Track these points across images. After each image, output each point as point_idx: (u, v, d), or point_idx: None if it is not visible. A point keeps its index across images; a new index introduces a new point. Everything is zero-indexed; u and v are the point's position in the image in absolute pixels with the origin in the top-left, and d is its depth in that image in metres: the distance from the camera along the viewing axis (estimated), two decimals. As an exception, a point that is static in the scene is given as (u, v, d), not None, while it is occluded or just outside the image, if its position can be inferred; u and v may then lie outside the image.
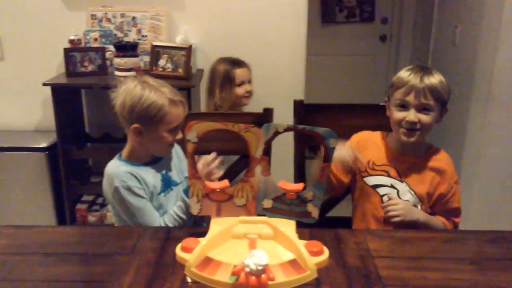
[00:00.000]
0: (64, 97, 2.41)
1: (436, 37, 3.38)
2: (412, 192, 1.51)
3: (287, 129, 1.20)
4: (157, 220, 1.43)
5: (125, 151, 1.51)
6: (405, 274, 1.14)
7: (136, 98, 1.39)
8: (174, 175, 1.57)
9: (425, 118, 1.44)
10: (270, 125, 1.18)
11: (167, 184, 1.52)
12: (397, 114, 1.48)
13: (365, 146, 1.59)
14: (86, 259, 1.22)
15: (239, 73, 2.24)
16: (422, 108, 1.44)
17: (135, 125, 1.42)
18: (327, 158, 1.21)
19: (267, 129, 1.18)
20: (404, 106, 1.47)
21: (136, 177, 1.44)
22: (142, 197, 1.43)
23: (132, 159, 1.48)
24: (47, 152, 2.47)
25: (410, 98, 1.45)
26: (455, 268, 1.17)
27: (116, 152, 2.49)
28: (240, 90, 2.24)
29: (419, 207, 1.51)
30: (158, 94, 1.40)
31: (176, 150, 1.59)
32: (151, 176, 1.48)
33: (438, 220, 1.53)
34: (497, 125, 2.54)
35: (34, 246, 1.27)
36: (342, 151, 1.47)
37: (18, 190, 2.50)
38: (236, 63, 2.25)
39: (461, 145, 2.77)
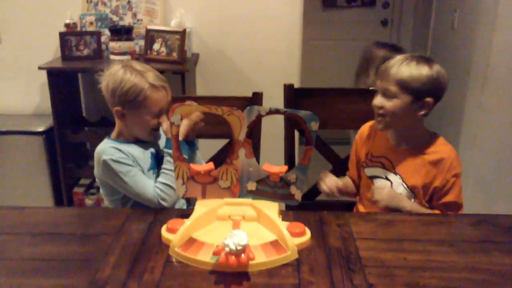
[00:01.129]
0: (61, 81, 2.43)
1: (435, 21, 3.35)
2: (405, 185, 1.49)
3: (270, 112, 1.21)
4: (151, 186, 1.43)
5: (114, 132, 1.54)
6: (385, 255, 1.15)
7: (118, 81, 1.42)
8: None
9: (387, 104, 1.42)
10: (252, 108, 1.20)
11: (158, 163, 1.54)
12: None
13: (368, 137, 1.60)
14: (73, 239, 1.25)
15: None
16: (385, 94, 1.43)
17: (117, 107, 1.45)
18: (309, 141, 1.22)
19: (250, 112, 1.20)
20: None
21: (122, 151, 1.46)
22: (130, 165, 1.44)
23: (120, 138, 1.51)
24: (44, 136, 2.50)
25: (378, 82, 1.46)
26: (434, 250, 1.18)
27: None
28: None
29: (412, 200, 1.49)
30: (139, 78, 1.42)
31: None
32: (138, 152, 1.50)
33: (429, 212, 1.51)
34: (493, 109, 2.53)
35: (23, 226, 1.31)
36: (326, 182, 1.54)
37: (16, 174, 2.53)
38: (397, 50, 2.12)
39: (458, 129, 2.77)
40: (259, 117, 1.21)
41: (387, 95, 1.43)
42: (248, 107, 1.20)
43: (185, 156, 1.33)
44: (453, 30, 2.94)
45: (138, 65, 1.46)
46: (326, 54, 4.17)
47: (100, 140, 2.56)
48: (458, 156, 1.50)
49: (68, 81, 2.61)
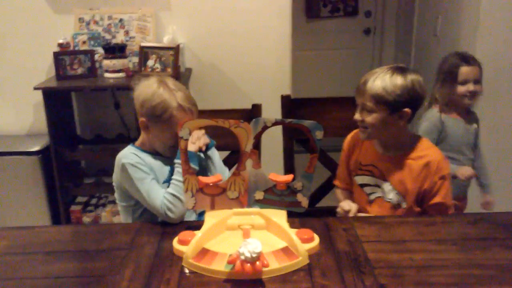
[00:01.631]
0: (55, 100, 2.44)
1: (418, 28, 3.45)
2: (396, 191, 1.54)
3: (275, 123, 1.25)
4: (160, 197, 1.43)
5: (138, 140, 1.57)
6: (392, 256, 1.20)
7: (149, 94, 1.45)
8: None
9: (367, 117, 1.48)
10: (258, 120, 1.24)
11: None
12: None
13: (354, 146, 1.64)
14: (86, 255, 1.27)
15: (464, 71, 2.03)
16: (364, 108, 1.49)
17: (142, 119, 1.48)
18: (314, 149, 1.26)
19: (256, 123, 1.24)
20: None
21: (141, 158, 1.49)
22: (146, 172, 1.46)
23: (142, 147, 1.54)
24: (40, 156, 2.50)
25: (356, 98, 1.52)
26: (438, 249, 1.24)
27: (108, 152, 2.53)
28: (461, 89, 2.03)
29: (403, 205, 1.53)
30: (170, 96, 1.44)
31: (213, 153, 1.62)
32: (157, 164, 1.52)
33: None
34: (478, 112, 2.61)
35: (34, 245, 1.32)
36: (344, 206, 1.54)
37: (13, 194, 2.53)
38: (465, 60, 2.06)
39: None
40: (265, 128, 1.25)
41: (365, 109, 1.48)
42: (254, 119, 1.24)
43: (196, 167, 1.36)
44: (436, 37, 3.03)
45: (171, 83, 1.49)
46: (312, 64, 4.25)
47: (96, 157, 2.59)
48: (443, 156, 1.54)
49: (63, 100, 2.62)
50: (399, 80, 1.44)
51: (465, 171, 1.95)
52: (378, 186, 1.57)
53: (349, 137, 1.67)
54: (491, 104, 2.59)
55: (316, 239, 1.25)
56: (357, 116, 1.52)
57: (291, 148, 1.82)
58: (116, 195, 1.58)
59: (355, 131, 1.65)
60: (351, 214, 1.49)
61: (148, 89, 1.46)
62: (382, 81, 1.44)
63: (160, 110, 1.44)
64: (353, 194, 1.67)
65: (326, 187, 1.85)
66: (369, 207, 1.59)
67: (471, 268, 1.15)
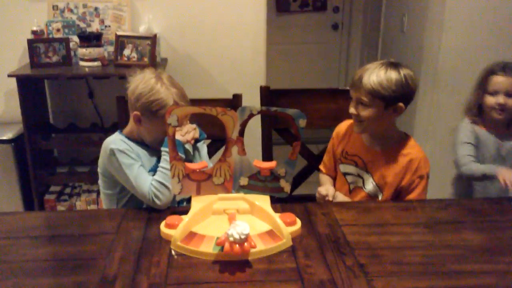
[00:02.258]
0: (29, 88, 2.41)
1: (385, 25, 3.55)
2: (374, 183, 1.61)
3: (261, 112, 1.30)
4: (147, 183, 1.44)
5: (125, 129, 1.57)
6: (370, 238, 1.27)
7: (148, 88, 1.45)
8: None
9: (362, 112, 1.55)
10: (245, 108, 1.28)
11: None
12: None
13: (343, 136, 1.70)
14: (74, 239, 1.28)
15: (496, 80, 1.83)
16: (359, 102, 1.55)
17: (136, 112, 1.48)
18: (298, 137, 1.32)
19: (243, 111, 1.28)
20: None
21: (129, 146, 1.50)
22: (135, 160, 1.47)
23: (130, 137, 1.55)
24: (13, 144, 2.47)
25: (351, 92, 1.58)
26: (412, 231, 1.32)
27: (82, 141, 2.52)
28: (490, 100, 1.84)
29: (379, 197, 1.61)
30: (167, 93, 1.46)
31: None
32: (144, 154, 1.54)
33: None
34: (443, 107, 2.74)
35: (20, 230, 1.33)
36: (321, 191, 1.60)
37: (-15, 182, 2.49)
38: (503, 68, 1.84)
39: (411, 127, 2.96)
40: (251, 116, 1.29)
41: (361, 103, 1.54)
42: (240, 107, 1.28)
43: (182, 156, 1.39)
44: (403, 33, 3.14)
45: (166, 79, 1.49)
46: (282, 57, 4.31)
47: (69, 146, 2.57)
48: (426, 157, 1.60)
49: (36, 88, 2.58)
50: (393, 75, 1.50)
51: (508, 175, 1.67)
52: (360, 176, 1.64)
53: (339, 126, 1.73)
54: (456, 96, 2.70)
55: (298, 223, 1.31)
56: (352, 110, 1.57)
57: (270, 137, 1.88)
58: (100, 182, 1.58)
59: (345, 121, 1.71)
60: (329, 198, 1.56)
61: (145, 84, 1.46)
62: (377, 76, 1.50)
63: (157, 107, 1.45)
64: (335, 181, 1.74)
65: (305, 174, 1.92)
66: (349, 195, 1.66)
67: (442, 249, 1.24)
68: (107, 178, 1.54)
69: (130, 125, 1.55)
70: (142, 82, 1.47)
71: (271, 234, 1.25)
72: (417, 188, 1.56)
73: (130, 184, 1.46)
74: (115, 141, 1.50)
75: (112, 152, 1.46)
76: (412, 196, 1.56)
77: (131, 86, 1.49)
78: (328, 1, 4.27)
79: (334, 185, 1.74)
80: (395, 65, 1.53)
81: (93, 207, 2.60)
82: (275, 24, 4.18)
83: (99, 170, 1.57)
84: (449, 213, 1.44)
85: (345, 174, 1.68)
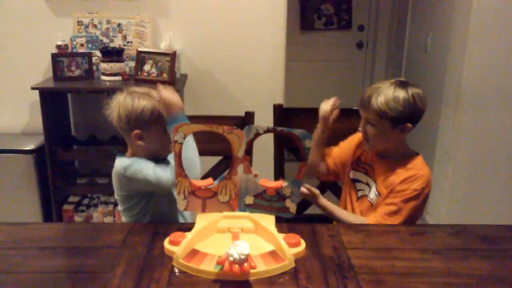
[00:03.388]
0: (51, 100, 2.48)
1: (409, 44, 3.52)
2: (377, 193, 1.61)
3: (267, 131, 1.30)
4: (167, 170, 1.47)
5: (128, 153, 1.58)
6: (375, 263, 1.25)
7: (129, 107, 1.48)
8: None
9: (370, 130, 1.56)
10: (251, 127, 1.29)
11: None
12: None
13: (360, 143, 1.70)
14: (79, 252, 1.30)
15: None
16: (368, 121, 1.56)
17: (135, 131, 1.50)
18: (304, 157, 1.31)
19: (249, 130, 1.28)
20: None
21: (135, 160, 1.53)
22: (141, 163, 1.50)
23: (134, 157, 1.56)
24: (34, 154, 2.53)
25: (360, 111, 1.59)
26: (420, 257, 1.29)
27: (102, 153, 2.56)
28: None
29: None
30: (147, 99, 1.49)
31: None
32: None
33: (343, 212, 1.64)
34: (466, 129, 2.68)
35: (29, 241, 1.35)
36: (322, 106, 1.66)
37: (6, 191, 2.55)
38: None
39: (432, 148, 2.91)
40: (257, 135, 1.29)
41: (369, 123, 1.55)
42: (247, 126, 1.28)
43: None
44: (426, 53, 3.11)
45: (139, 89, 1.53)
46: (305, 74, 4.31)
47: (89, 157, 2.61)
48: (430, 179, 1.57)
49: (59, 100, 2.65)
50: (401, 94, 1.50)
51: None
52: (368, 184, 1.64)
53: (359, 135, 1.70)
54: (479, 119, 2.66)
55: (303, 244, 1.29)
56: (361, 128, 1.60)
57: (282, 155, 1.87)
58: (120, 208, 1.61)
59: None
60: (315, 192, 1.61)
61: (124, 105, 1.48)
62: (385, 96, 1.50)
63: (147, 114, 1.48)
64: (342, 188, 1.75)
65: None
66: (356, 203, 1.67)
67: (450, 277, 1.20)
68: (127, 202, 1.57)
69: (131, 149, 1.57)
70: (121, 106, 1.49)
71: (273, 254, 1.24)
72: (403, 192, 1.53)
73: (151, 183, 1.47)
74: (119, 163, 1.52)
75: (121, 174, 1.49)
76: (386, 208, 1.53)
77: (114, 115, 1.51)
78: (353, 19, 4.26)
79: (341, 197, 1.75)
80: (404, 84, 1.53)
81: (109, 218, 2.63)
82: (299, 42, 4.20)
83: (117, 198, 1.59)
84: (460, 239, 1.40)
85: (354, 180, 1.68)
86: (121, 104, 1.50)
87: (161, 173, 1.47)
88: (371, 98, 1.52)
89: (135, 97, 1.49)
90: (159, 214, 1.56)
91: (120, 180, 1.52)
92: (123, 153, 1.58)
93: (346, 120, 1.86)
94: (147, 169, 1.48)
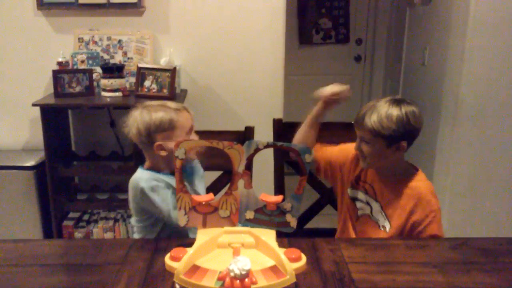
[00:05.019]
0: (52, 117, 2.49)
1: (407, 57, 3.54)
2: (383, 213, 1.59)
3: (267, 146, 1.30)
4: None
5: (146, 165, 1.61)
6: (376, 277, 1.25)
7: (147, 120, 1.51)
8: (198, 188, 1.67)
9: (365, 148, 1.55)
10: (251, 142, 1.29)
11: None
12: None
13: (357, 160, 1.69)
14: (80, 269, 1.30)
15: None
16: (363, 140, 1.56)
17: (157, 143, 1.53)
18: (303, 172, 1.32)
19: (249, 146, 1.29)
20: None
21: (157, 179, 1.55)
22: (166, 192, 1.52)
23: (155, 169, 1.59)
24: (34, 171, 2.54)
25: (355, 129, 1.60)
26: (420, 271, 1.29)
27: (103, 169, 2.57)
28: None
29: (387, 229, 1.58)
30: (163, 110, 1.53)
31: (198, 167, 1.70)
32: (172, 180, 1.57)
33: None
34: (464, 141, 2.69)
35: (29, 258, 1.36)
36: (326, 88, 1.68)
37: (6, 207, 2.55)
38: None
39: (431, 160, 2.91)
40: (257, 150, 1.30)
41: (364, 141, 1.55)
42: (247, 141, 1.29)
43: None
44: (424, 66, 3.12)
45: (154, 103, 1.57)
46: (304, 88, 4.30)
47: (90, 173, 2.62)
48: (435, 191, 1.58)
49: (59, 117, 2.67)
50: (394, 113, 1.49)
51: None
52: (368, 204, 1.63)
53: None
54: (477, 132, 2.67)
55: (303, 259, 1.29)
56: (356, 146, 1.59)
57: (282, 170, 1.88)
58: (133, 217, 1.63)
59: None
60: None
61: (142, 119, 1.52)
62: (378, 115, 1.50)
63: (166, 124, 1.51)
64: (341, 209, 1.72)
65: (315, 209, 1.90)
66: (356, 222, 1.65)
67: (450, 291, 1.20)
68: (140, 213, 1.58)
69: (151, 161, 1.59)
70: (139, 121, 1.52)
71: (274, 270, 1.24)
72: (433, 223, 1.53)
73: (166, 216, 1.50)
74: (143, 178, 1.54)
75: (143, 192, 1.51)
76: (434, 231, 1.53)
77: (133, 131, 1.54)
78: (351, 33, 4.29)
79: (338, 212, 1.74)
80: (398, 102, 1.52)
81: (109, 234, 2.63)
82: (297, 56, 4.22)
83: (130, 206, 1.60)
84: (461, 252, 1.40)
85: (354, 199, 1.66)
86: (138, 119, 1.53)
87: (174, 215, 1.48)
88: (365, 116, 1.52)
89: (151, 110, 1.53)
90: (171, 226, 1.56)
91: (135, 194, 1.55)
92: (143, 164, 1.61)
93: (346, 134, 1.87)
94: (166, 203, 1.50)
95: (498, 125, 2.65)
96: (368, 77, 4.39)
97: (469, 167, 2.72)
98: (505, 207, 2.74)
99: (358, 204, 1.65)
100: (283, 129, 1.86)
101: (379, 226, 1.60)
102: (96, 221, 2.69)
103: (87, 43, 2.63)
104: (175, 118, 1.53)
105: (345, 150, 1.73)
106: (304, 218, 1.86)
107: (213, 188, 1.82)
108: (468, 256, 1.39)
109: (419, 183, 1.57)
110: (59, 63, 2.49)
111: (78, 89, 2.48)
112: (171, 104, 1.56)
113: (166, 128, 1.52)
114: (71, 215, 2.70)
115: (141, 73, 2.45)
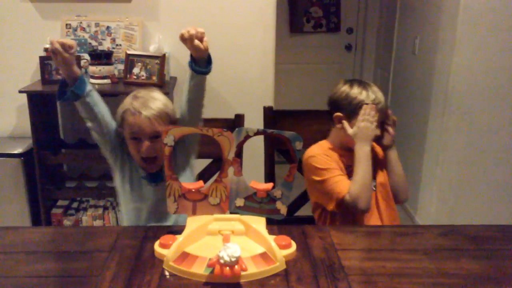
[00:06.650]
0: (39, 104, 2.46)
1: (397, 46, 3.55)
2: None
3: (257, 133, 1.30)
4: None
5: None
6: (365, 264, 1.26)
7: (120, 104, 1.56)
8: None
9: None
10: (241, 129, 1.28)
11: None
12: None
13: (332, 157, 1.70)
14: (68, 256, 1.29)
15: None
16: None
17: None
18: (294, 159, 1.32)
19: (239, 133, 1.28)
20: None
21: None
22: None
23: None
24: (22, 158, 2.51)
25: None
26: (409, 258, 1.29)
27: (91, 156, 2.55)
28: None
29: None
30: (131, 100, 1.57)
31: None
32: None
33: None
34: (454, 130, 2.71)
35: (17, 245, 1.34)
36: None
37: (-7, 195, 2.53)
38: None
39: (421, 149, 2.93)
40: (247, 138, 1.29)
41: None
42: (237, 129, 1.28)
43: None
44: (414, 55, 3.13)
45: (143, 91, 1.62)
46: (294, 77, 4.33)
47: (78, 161, 2.59)
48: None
49: (47, 104, 2.63)
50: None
51: None
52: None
53: (320, 154, 1.71)
54: (467, 121, 2.68)
55: (293, 246, 1.29)
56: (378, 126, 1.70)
57: (272, 157, 1.87)
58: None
59: (314, 151, 1.72)
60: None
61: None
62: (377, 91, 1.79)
63: (121, 112, 1.59)
64: None
65: (305, 196, 1.90)
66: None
67: (440, 277, 1.20)
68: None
69: None
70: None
71: (264, 256, 1.24)
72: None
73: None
74: None
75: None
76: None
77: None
78: (342, 22, 4.29)
79: None
80: (367, 83, 1.75)
81: (99, 222, 2.61)
82: (288, 44, 4.22)
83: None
84: (449, 239, 1.41)
85: None
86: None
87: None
88: (377, 94, 1.74)
89: (129, 96, 1.59)
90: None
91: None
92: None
93: (329, 122, 1.86)
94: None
95: (488, 114, 2.67)
96: (358, 66, 4.40)
97: (458, 155, 2.74)
98: (494, 194, 2.77)
99: None
100: (274, 117, 1.85)
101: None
102: (85, 209, 2.67)
103: (75, 30, 2.59)
104: (125, 115, 1.56)
105: (335, 163, 1.71)
106: (294, 206, 1.86)
107: (203, 175, 1.81)
108: (456, 243, 1.39)
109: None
110: (46, 49, 2.45)
111: (66, 76, 2.44)
112: (142, 102, 1.57)
113: (120, 116, 1.58)
114: (60, 203, 2.68)
115: (130, 60, 2.42)
